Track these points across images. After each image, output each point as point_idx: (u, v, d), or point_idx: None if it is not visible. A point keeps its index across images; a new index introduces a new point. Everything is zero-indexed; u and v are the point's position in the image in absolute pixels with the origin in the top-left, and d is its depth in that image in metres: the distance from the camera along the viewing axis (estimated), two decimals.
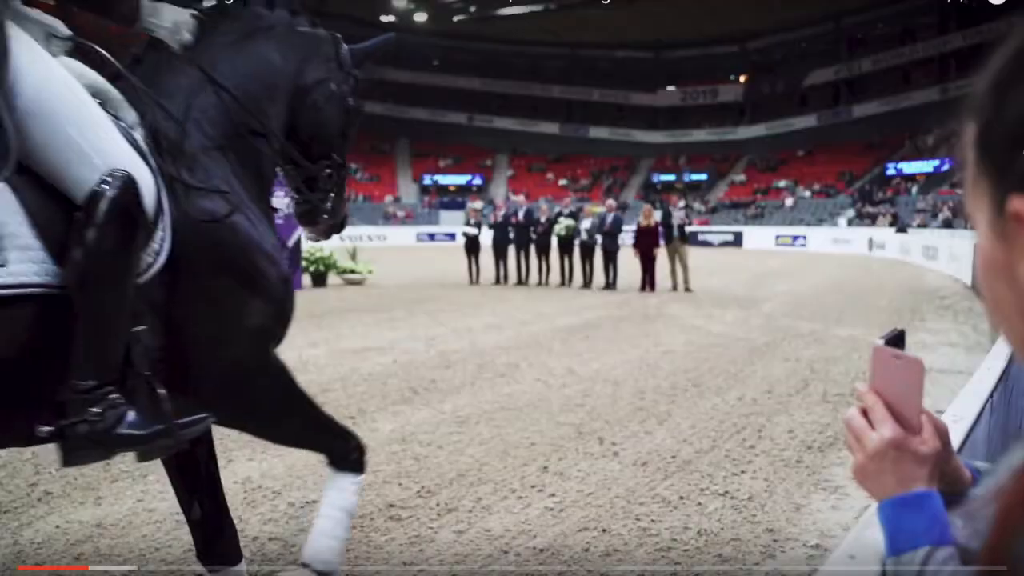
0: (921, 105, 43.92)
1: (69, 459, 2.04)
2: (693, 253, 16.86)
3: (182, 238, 2.13)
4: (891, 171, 42.80)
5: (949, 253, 20.16)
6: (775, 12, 45.99)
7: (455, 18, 48.63)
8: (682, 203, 17.99)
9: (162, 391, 2.08)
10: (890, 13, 45.76)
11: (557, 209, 18.12)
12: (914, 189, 40.06)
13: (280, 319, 2.50)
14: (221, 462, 4.96)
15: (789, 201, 44.90)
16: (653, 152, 53.52)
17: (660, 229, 16.03)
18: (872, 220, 37.62)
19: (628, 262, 16.57)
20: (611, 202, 18.82)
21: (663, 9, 45.67)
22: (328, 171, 2.75)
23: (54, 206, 1.94)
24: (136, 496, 4.34)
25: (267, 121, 2.53)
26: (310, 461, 4.94)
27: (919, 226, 33.11)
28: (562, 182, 51.09)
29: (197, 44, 2.45)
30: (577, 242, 16.63)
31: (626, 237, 17.51)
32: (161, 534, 3.83)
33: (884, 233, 32.35)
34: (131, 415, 2.00)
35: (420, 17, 49.51)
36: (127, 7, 2.51)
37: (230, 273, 2.27)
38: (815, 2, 44.70)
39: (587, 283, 16.49)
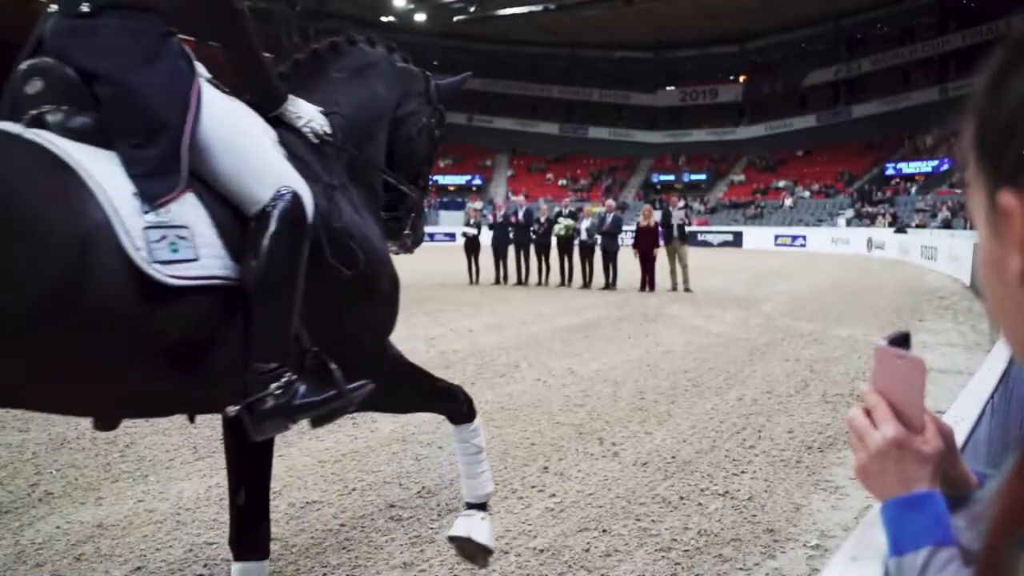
0: (920, 105, 43.94)
1: (258, 431, 2.32)
2: (693, 253, 16.87)
3: (329, 244, 2.50)
4: (890, 171, 42.79)
5: (948, 253, 20.17)
6: (775, 12, 46.00)
7: (455, 18, 48.61)
8: (681, 203, 17.98)
9: (333, 364, 2.41)
10: (890, 13, 45.77)
11: (557, 209, 18.12)
12: (913, 189, 40.05)
13: (394, 312, 2.91)
14: (221, 462, 4.98)
15: (788, 201, 44.91)
16: (653, 152, 53.53)
17: (660, 229, 16.04)
18: (871, 220, 37.63)
19: (628, 262, 16.58)
20: (611, 202, 18.84)
21: (663, 9, 45.66)
22: (411, 189, 3.14)
23: (231, 215, 2.29)
24: (137, 497, 4.35)
25: (375, 147, 2.94)
26: (310, 462, 4.96)
27: (918, 226, 33.11)
28: (562, 182, 51.09)
29: (315, 73, 2.86)
30: (577, 242, 16.64)
31: (625, 237, 17.53)
32: (162, 534, 3.83)
33: (883, 233, 32.35)
34: (303, 388, 2.32)
35: (419, 17, 49.48)
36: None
37: (360, 275, 2.59)
38: (814, 2, 44.70)
39: (587, 283, 16.50)
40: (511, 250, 17.17)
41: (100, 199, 2.03)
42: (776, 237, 39.16)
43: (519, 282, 17.07)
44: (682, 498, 4.32)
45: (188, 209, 2.19)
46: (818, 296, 15.04)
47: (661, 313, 12.33)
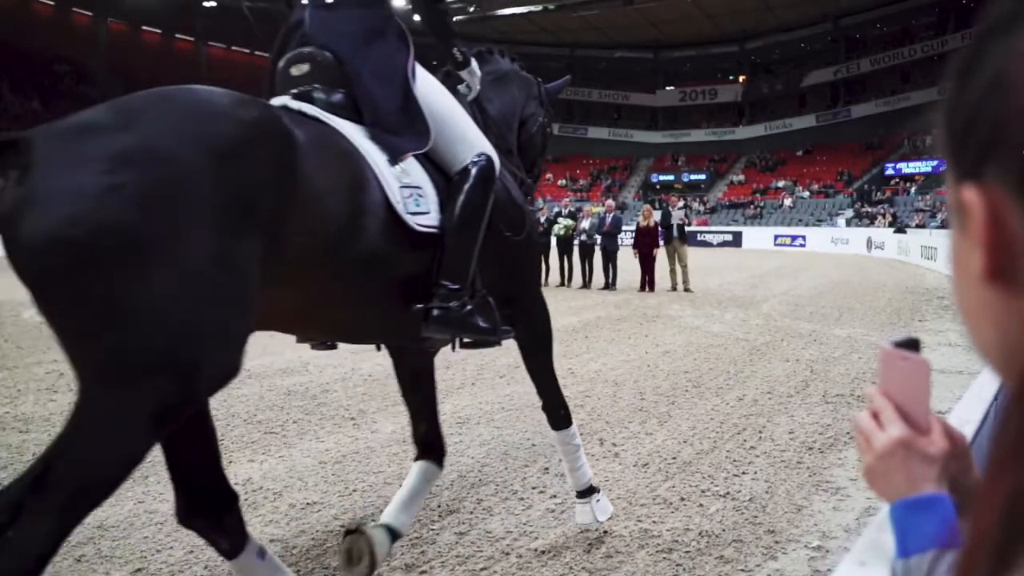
0: (920, 105, 43.90)
1: (429, 329, 2.76)
2: (692, 253, 16.88)
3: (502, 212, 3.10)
4: (890, 171, 42.80)
5: (948, 253, 20.19)
6: (774, 13, 46.02)
7: (454, 18, 48.64)
8: (681, 203, 17.96)
9: (493, 303, 2.99)
10: (889, 14, 45.78)
11: (556, 209, 18.11)
12: (913, 189, 40.06)
13: (538, 277, 3.61)
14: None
15: (788, 201, 44.91)
16: (652, 152, 53.52)
17: (659, 229, 16.04)
18: (871, 220, 37.64)
19: (627, 262, 16.57)
20: (610, 202, 18.81)
21: (662, 9, 45.67)
22: (530, 180, 3.75)
23: (440, 176, 2.86)
24: (137, 498, 4.34)
25: (510, 140, 3.61)
26: (311, 463, 4.95)
27: (918, 226, 33.12)
28: (561, 182, 51.07)
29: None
30: (576, 242, 16.63)
31: (625, 237, 17.50)
32: (163, 535, 3.82)
33: (883, 233, 32.35)
34: (473, 311, 2.82)
35: (418, 17, 49.46)
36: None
37: (522, 242, 3.20)
38: (814, 3, 44.71)
39: (586, 283, 16.50)
40: None
41: (372, 164, 2.56)
42: (776, 237, 39.17)
43: None
44: (683, 499, 4.31)
45: (417, 172, 2.76)
46: (818, 296, 15.04)
47: (661, 313, 12.33)
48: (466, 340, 3.04)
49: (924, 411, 0.89)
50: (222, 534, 2.68)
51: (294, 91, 2.75)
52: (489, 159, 2.96)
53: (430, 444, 3.59)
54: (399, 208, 2.58)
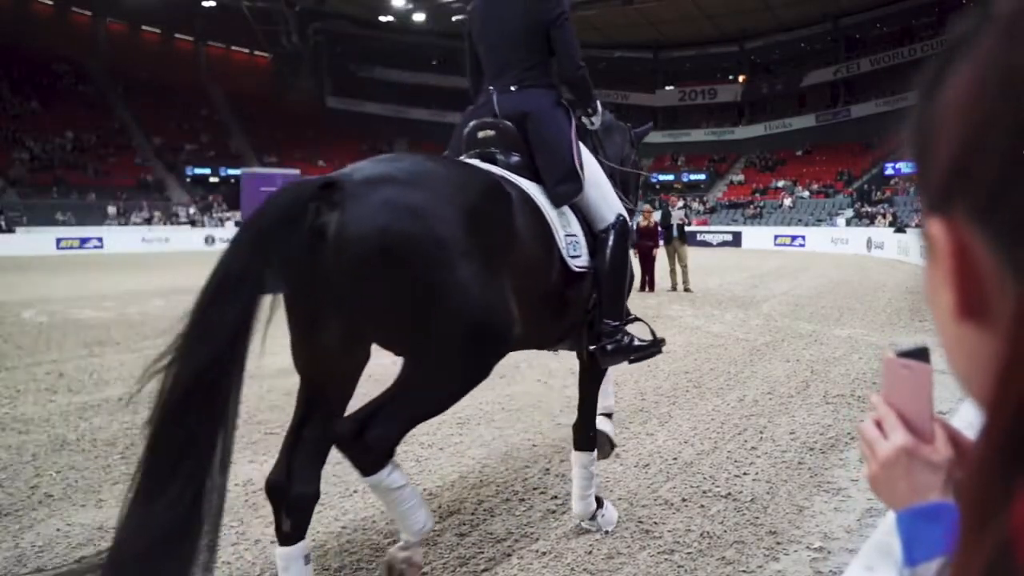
0: None
1: (605, 362, 3.64)
2: (692, 253, 16.87)
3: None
4: (889, 171, 42.78)
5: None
6: (774, 12, 46.02)
7: (454, 18, 48.54)
8: (680, 203, 17.96)
9: (642, 320, 3.87)
10: (888, 13, 45.76)
11: None
12: (912, 189, 40.05)
13: None
14: None
15: (788, 201, 44.91)
16: (651, 152, 53.47)
17: (659, 229, 16.02)
18: (871, 220, 37.63)
19: None
20: None
21: (661, 9, 45.66)
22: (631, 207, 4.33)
23: (586, 228, 3.53)
24: None
25: (619, 176, 4.25)
26: None
27: (917, 226, 32.97)
28: None
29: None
30: None
31: None
32: None
33: (883, 233, 32.33)
34: (634, 338, 3.63)
35: (419, 17, 49.46)
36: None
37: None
38: (813, 2, 44.71)
39: None
40: None
41: (549, 220, 3.29)
42: (775, 237, 39.15)
43: None
44: (684, 500, 4.31)
45: (574, 223, 3.45)
46: (818, 296, 15.03)
47: (660, 313, 12.31)
48: (631, 359, 3.75)
49: (927, 418, 0.88)
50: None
51: (478, 151, 3.52)
52: (625, 220, 3.70)
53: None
54: (564, 253, 3.32)
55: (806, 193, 45.43)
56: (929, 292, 0.60)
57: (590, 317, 3.61)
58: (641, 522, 3.99)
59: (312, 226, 2.52)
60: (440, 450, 5.23)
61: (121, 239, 35.58)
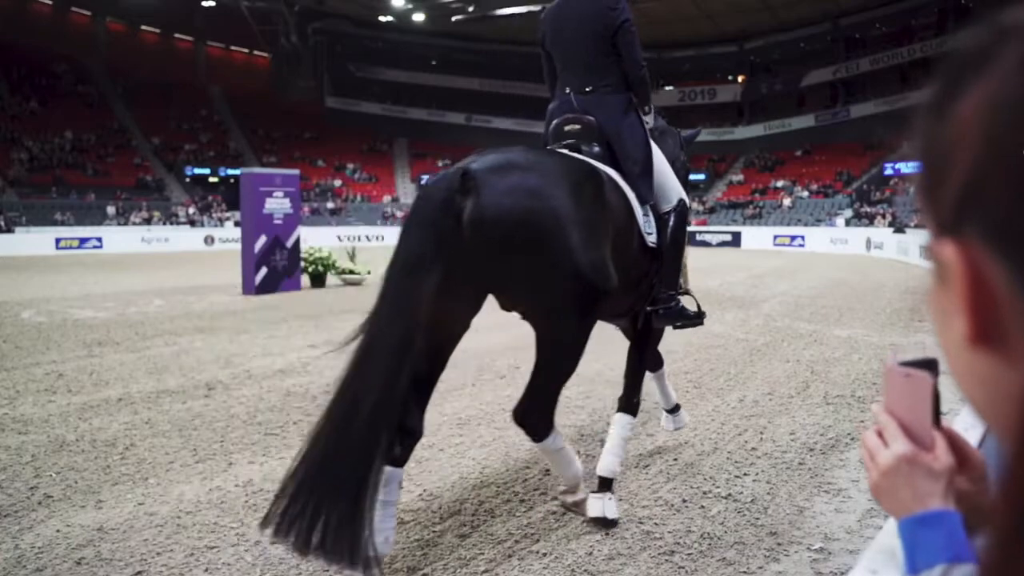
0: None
1: (659, 322, 4.26)
2: (691, 253, 16.81)
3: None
4: (889, 171, 42.77)
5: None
6: (773, 12, 46.03)
7: (453, 18, 48.53)
8: None
9: (693, 295, 4.65)
10: (888, 13, 45.77)
11: None
12: (912, 189, 40.05)
13: None
14: (222, 464, 4.98)
15: (787, 201, 44.90)
16: None
17: None
18: (870, 220, 37.64)
19: None
20: None
21: (661, 9, 45.66)
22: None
23: (653, 212, 4.08)
24: (137, 500, 4.33)
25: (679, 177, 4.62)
26: None
27: (917, 226, 33.10)
28: None
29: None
30: None
31: None
32: (163, 538, 3.81)
33: (882, 233, 32.36)
34: (684, 306, 4.28)
35: (418, 17, 49.43)
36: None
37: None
38: (813, 2, 44.72)
39: None
40: None
41: (630, 198, 3.86)
42: (775, 237, 39.15)
43: None
44: (685, 501, 4.30)
45: (645, 205, 4.02)
46: (817, 296, 15.03)
47: None
48: (678, 325, 4.35)
49: (928, 427, 0.89)
50: None
51: (566, 142, 4.01)
52: (686, 204, 4.32)
53: (656, 365, 5.05)
54: (643, 228, 3.89)
55: (805, 193, 45.42)
56: (937, 317, 0.58)
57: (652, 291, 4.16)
58: (642, 523, 3.99)
59: (453, 209, 3.11)
60: (440, 451, 5.23)
61: (120, 239, 35.55)
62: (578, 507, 3.84)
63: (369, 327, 3.11)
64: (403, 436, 3.39)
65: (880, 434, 0.91)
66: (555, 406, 3.59)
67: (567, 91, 4.15)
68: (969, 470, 0.94)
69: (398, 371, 2.95)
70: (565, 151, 3.80)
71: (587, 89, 4.09)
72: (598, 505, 3.91)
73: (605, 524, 3.90)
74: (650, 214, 4.02)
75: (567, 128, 4.07)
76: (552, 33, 4.21)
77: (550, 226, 3.18)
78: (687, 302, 4.47)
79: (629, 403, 4.29)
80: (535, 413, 3.53)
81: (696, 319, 4.50)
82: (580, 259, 3.23)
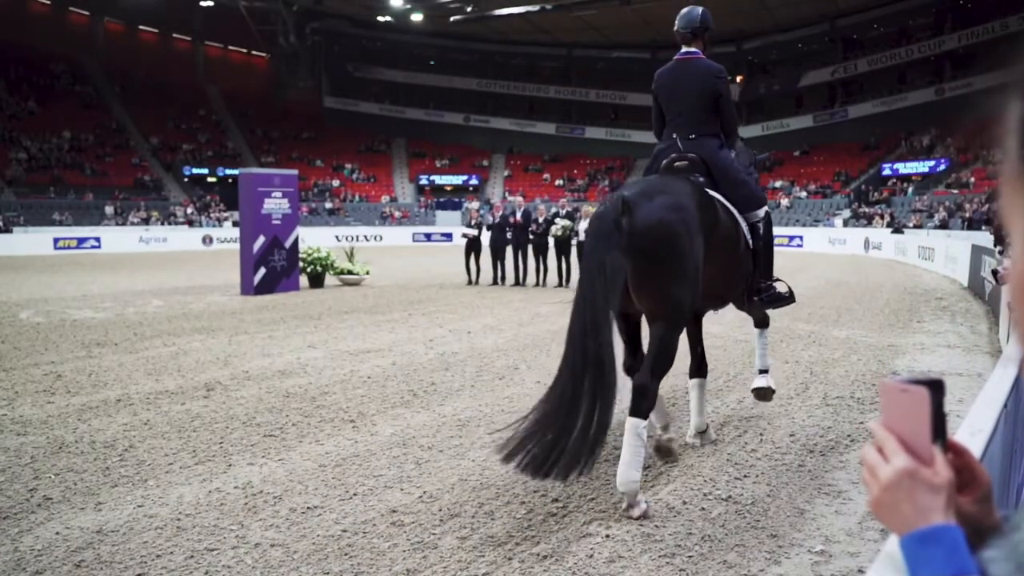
0: (917, 106, 43.93)
1: (762, 306, 5.51)
2: None
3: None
4: (887, 172, 42.75)
5: (945, 254, 20.17)
6: (771, 13, 46.03)
7: (451, 18, 48.49)
8: None
9: (784, 280, 5.57)
10: (885, 14, 45.71)
11: (554, 210, 18.04)
12: (910, 190, 40.04)
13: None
14: (221, 466, 4.97)
15: (785, 201, 44.87)
16: (649, 152, 53.25)
17: None
18: (868, 220, 37.62)
19: None
20: None
21: (659, 9, 45.65)
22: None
23: (745, 222, 5.09)
24: (136, 502, 4.32)
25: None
26: (311, 466, 4.93)
27: (915, 227, 33.11)
28: (558, 182, 50.97)
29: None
30: (575, 242, 16.58)
31: None
32: (162, 540, 3.80)
33: (880, 233, 32.33)
34: (778, 292, 5.40)
35: (416, 17, 49.36)
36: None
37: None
38: (810, 3, 44.71)
39: None
40: (508, 251, 17.10)
41: (736, 215, 4.97)
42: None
43: (517, 283, 17.02)
44: (685, 503, 4.30)
45: (742, 218, 5.09)
46: (816, 297, 15.02)
47: None
48: (776, 306, 5.60)
49: (927, 442, 0.89)
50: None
51: (675, 175, 4.95)
52: (769, 214, 5.48)
53: (699, 365, 5.71)
54: (747, 236, 5.08)
55: (803, 193, 45.42)
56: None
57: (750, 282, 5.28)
58: (642, 525, 3.98)
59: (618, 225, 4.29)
60: (440, 452, 5.22)
61: (119, 239, 35.50)
62: (667, 452, 4.87)
63: (576, 309, 4.26)
64: (629, 367, 4.75)
65: (880, 450, 0.91)
66: (658, 387, 4.42)
67: (674, 136, 5.20)
68: (975, 490, 0.94)
69: (602, 335, 4.12)
70: (688, 179, 4.83)
71: (691, 136, 5.14)
72: (764, 380, 5.87)
73: (767, 394, 5.87)
74: (744, 223, 5.06)
75: (677, 164, 5.08)
76: (667, 90, 5.27)
77: (683, 235, 4.33)
78: (780, 287, 5.52)
79: (764, 323, 6.01)
80: (653, 385, 4.32)
81: (788, 298, 5.58)
82: (697, 260, 4.40)
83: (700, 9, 5.30)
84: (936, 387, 0.89)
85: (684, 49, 5.26)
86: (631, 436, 4.15)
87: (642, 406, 4.21)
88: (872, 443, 0.93)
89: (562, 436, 3.93)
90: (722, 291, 5.08)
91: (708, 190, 4.81)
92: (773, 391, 5.90)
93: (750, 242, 5.06)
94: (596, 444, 3.94)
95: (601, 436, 3.95)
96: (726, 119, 5.21)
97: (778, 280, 5.52)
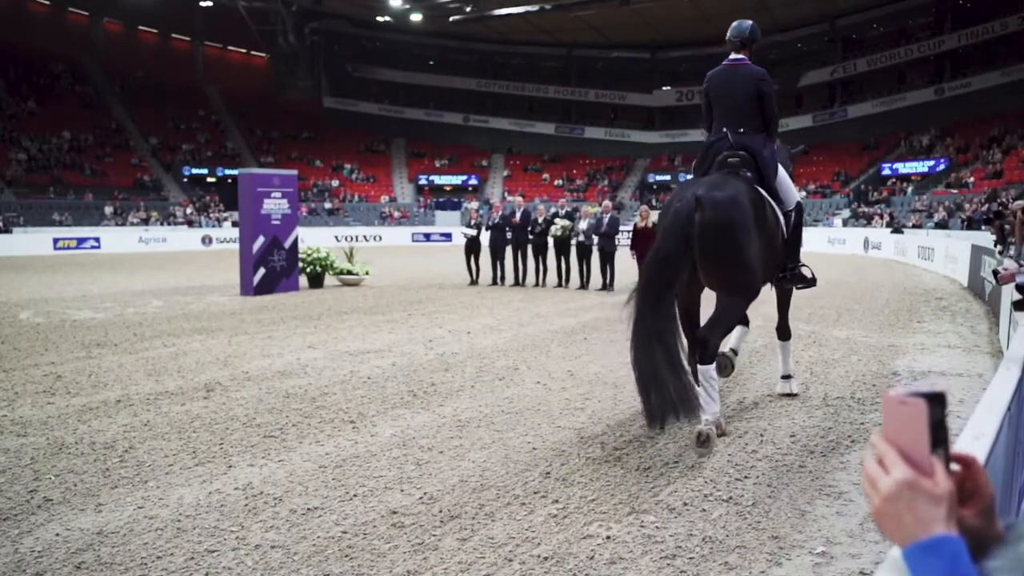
0: (916, 105, 43.94)
1: (788, 284, 6.47)
2: None
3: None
4: (886, 171, 42.76)
5: (945, 254, 20.17)
6: (770, 13, 46.04)
7: (451, 18, 48.47)
8: None
9: (809, 268, 6.50)
10: (885, 14, 45.71)
11: (553, 210, 18.01)
12: (909, 189, 40.05)
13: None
14: (221, 467, 4.96)
15: None
16: (649, 152, 53.45)
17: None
18: (868, 220, 37.61)
19: (625, 263, 16.56)
20: (607, 203, 18.70)
21: (659, 9, 45.65)
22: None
23: (778, 214, 5.94)
24: (136, 503, 4.31)
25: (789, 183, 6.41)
26: (311, 467, 4.93)
27: (914, 226, 33.11)
28: (558, 182, 50.96)
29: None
30: (574, 243, 16.57)
31: (622, 238, 17.35)
32: (163, 542, 3.80)
33: (880, 233, 32.32)
34: (805, 272, 6.43)
35: (416, 17, 49.33)
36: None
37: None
38: (810, 3, 44.71)
39: (584, 284, 16.44)
40: (508, 251, 17.09)
41: (775, 208, 5.84)
42: None
43: (516, 283, 17.01)
44: (686, 504, 4.30)
45: (778, 209, 5.90)
46: (816, 297, 14.99)
47: None
48: (800, 285, 6.47)
49: (926, 453, 0.89)
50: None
51: (727, 170, 5.79)
52: (801, 205, 6.34)
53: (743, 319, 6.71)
54: (783, 226, 5.94)
55: (803, 193, 45.43)
56: None
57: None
58: (643, 526, 3.98)
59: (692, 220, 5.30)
60: (440, 453, 5.22)
61: (118, 239, 35.49)
62: (712, 433, 5.32)
63: (640, 293, 5.28)
64: (691, 346, 5.65)
65: (881, 462, 0.92)
66: (720, 343, 5.70)
67: (724, 131, 5.96)
68: (977, 502, 0.93)
69: (665, 315, 5.23)
70: (742, 177, 5.72)
71: (740, 131, 5.93)
72: (788, 385, 6.72)
73: (790, 395, 6.65)
74: (780, 214, 5.89)
75: (730, 160, 5.85)
76: (717, 90, 6.13)
77: (745, 227, 5.35)
78: (805, 271, 6.43)
79: (785, 332, 6.91)
80: (708, 351, 5.45)
81: (811, 282, 6.52)
82: (756, 249, 5.44)
83: (750, 22, 6.21)
84: (935, 399, 0.89)
85: (733, 55, 6.11)
86: (704, 380, 5.37)
87: (705, 355, 5.41)
88: (873, 455, 0.93)
89: (657, 392, 5.03)
90: (768, 272, 6.04)
91: (757, 187, 5.72)
92: (796, 394, 6.74)
93: (784, 230, 5.92)
94: (687, 396, 5.03)
95: (682, 387, 5.04)
96: (768, 116, 6.02)
97: (804, 265, 6.38)
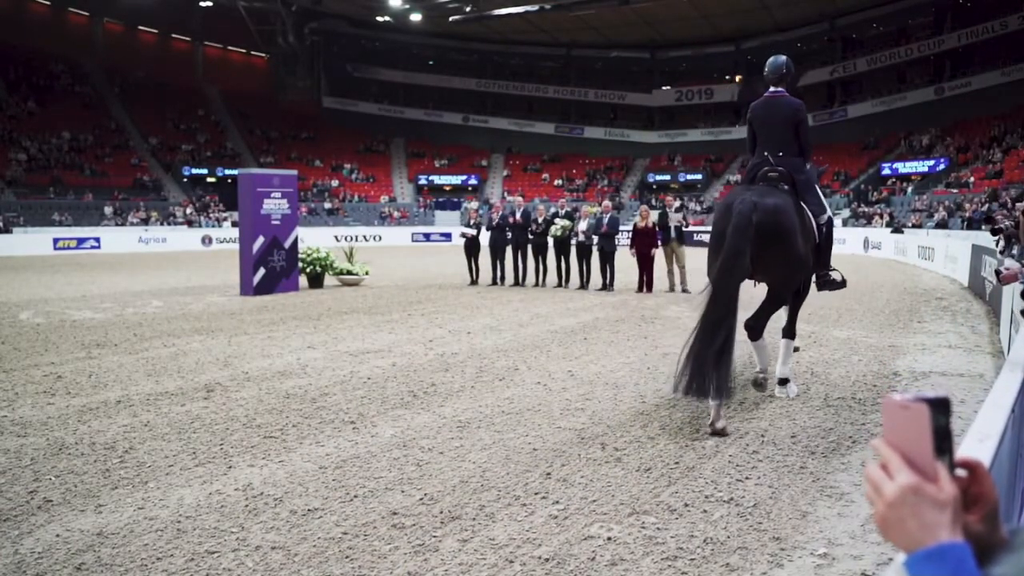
0: (916, 105, 43.94)
1: (819, 288, 7.16)
2: (689, 254, 16.81)
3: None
4: (886, 171, 42.75)
5: (945, 253, 20.16)
6: (770, 12, 46.02)
7: (450, 18, 48.44)
8: (678, 203, 17.74)
9: (839, 272, 7.16)
10: (885, 13, 45.71)
11: (553, 210, 17.99)
12: (909, 189, 40.04)
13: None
14: (221, 468, 4.95)
15: None
16: (648, 152, 53.44)
17: (657, 231, 15.93)
18: (868, 220, 37.61)
19: (625, 263, 16.53)
20: (607, 203, 18.67)
21: (658, 9, 45.64)
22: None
23: (812, 223, 6.70)
24: (137, 504, 4.30)
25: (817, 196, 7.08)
26: (312, 468, 4.92)
27: (914, 226, 33.10)
28: (557, 182, 50.94)
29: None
30: (574, 243, 16.55)
31: (622, 238, 17.32)
32: (163, 543, 3.79)
33: (880, 233, 32.32)
34: (835, 278, 7.08)
35: (415, 17, 49.31)
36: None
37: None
38: (810, 2, 44.70)
39: (584, 284, 16.43)
40: (508, 251, 17.08)
41: (809, 216, 6.62)
42: None
43: (516, 283, 17.00)
44: (687, 505, 4.29)
45: (813, 219, 6.71)
46: (815, 297, 14.97)
47: (659, 315, 12.29)
48: (830, 290, 7.11)
49: (930, 458, 0.88)
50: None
51: (768, 183, 6.53)
52: (831, 217, 6.95)
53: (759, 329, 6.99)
54: (816, 234, 6.62)
55: None
56: None
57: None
58: (644, 527, 3.97)
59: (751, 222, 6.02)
60: (440, 454, 5.21)
61: (118, 239, 35.49)
62: (762, 386, 6.76)
63: (714, 287, 5.98)
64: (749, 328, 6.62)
65: (884, 467, 0.91)
66: (766, 324, 6.69)
67: (765, 154, 6.70)
68: (981, 508, 0.93)
69: (732, 304, 5.89)
70: (781, 190, 6.48)
71: (779, 154, 6.67)
72: (785, 391, 6.81)
73: (789, 397, 6.75)
74: (813, 223, 6.58)
75: (770, 175, 6.61)
76: (760, 119, 6.82)
77: (791, 230, 6.19)
78: (835, 276, 6.99)
79: (790, 331, 6.98)
80: (755, 330, 6.63)
81: (841, 285, 7.08)
82: (801, 248, 6.29)
83: (784, 58, 6.94)
84: (937, 404, 0.88)
85: (772, 89, 6.84)
86: (756, 349, 6.76)
87: (754, 335, 6.65)
88: (876, 460, 0.92)
89: (704, 366, 5.64)
90: (805, 271, 6.78)
91: (798, 199, 6.55)
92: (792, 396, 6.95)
93: (817, 239, 6.63)
94: (722, 385, 5.63)
95: (724, 376, 5.65)
96: (804, 142, 6.81)
97: (835, 270, 7.01)
